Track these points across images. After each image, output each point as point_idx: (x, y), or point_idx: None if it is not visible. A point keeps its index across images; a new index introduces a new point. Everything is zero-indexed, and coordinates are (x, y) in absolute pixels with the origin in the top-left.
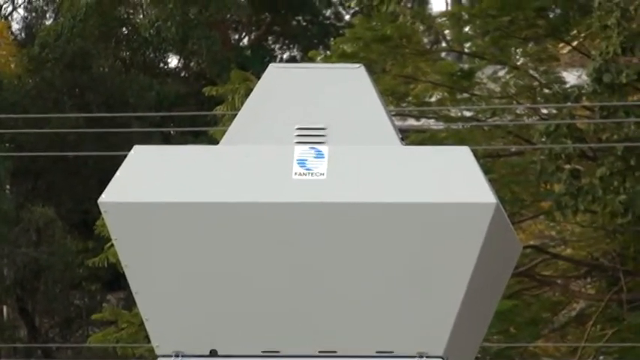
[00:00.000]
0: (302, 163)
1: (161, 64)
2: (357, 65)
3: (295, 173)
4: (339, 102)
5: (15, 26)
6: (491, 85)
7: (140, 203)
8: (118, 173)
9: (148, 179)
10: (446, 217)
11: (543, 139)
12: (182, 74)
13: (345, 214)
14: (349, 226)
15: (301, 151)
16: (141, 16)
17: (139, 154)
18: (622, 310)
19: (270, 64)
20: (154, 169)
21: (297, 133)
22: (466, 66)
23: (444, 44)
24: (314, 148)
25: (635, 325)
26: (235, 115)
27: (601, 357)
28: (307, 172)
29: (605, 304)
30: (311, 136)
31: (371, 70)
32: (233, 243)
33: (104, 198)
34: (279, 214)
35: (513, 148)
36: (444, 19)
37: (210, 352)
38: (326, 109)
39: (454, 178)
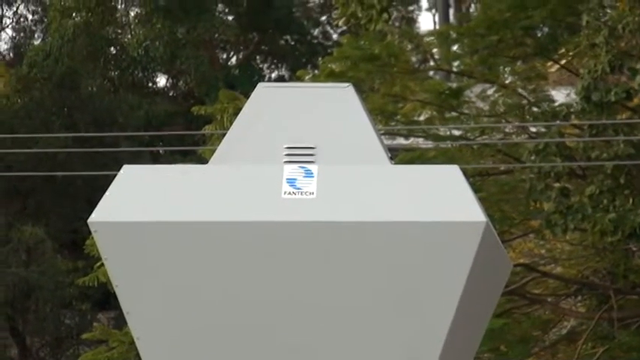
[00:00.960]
0: (291, 182)
1: (149, 84)
2: (346, 85)
3: (285, 192)
4: (328, 121)
5: (3, 46)
6: (480, 104)
7: (130, 223)
8: (107, 192)
9: (138, 198)
10: (435, 235)
11: (532, 158)
12: (170, 93)
13: (334, 233)
14: (339, 245)
15: (290, 170)
16: (129, 35)
17: (128, 174)
18: (613, 329)
19: (259, 84)
20: (143, 188)
21: (286, 152)
22: (454, 85)
23: (432, 63)
24: (303, 167)
25: (626, 343)
26: (224, 134)
27: None
28: (297, 191)
29: (596, 322)
30: (300, 155)
31: (359, 89)
32: (223, 262)
33: (94, 217)
34: (268, 232)
35: (502, 167)
36: (432, 37)
37: None
38: (315, 128)
39: (443, 197)
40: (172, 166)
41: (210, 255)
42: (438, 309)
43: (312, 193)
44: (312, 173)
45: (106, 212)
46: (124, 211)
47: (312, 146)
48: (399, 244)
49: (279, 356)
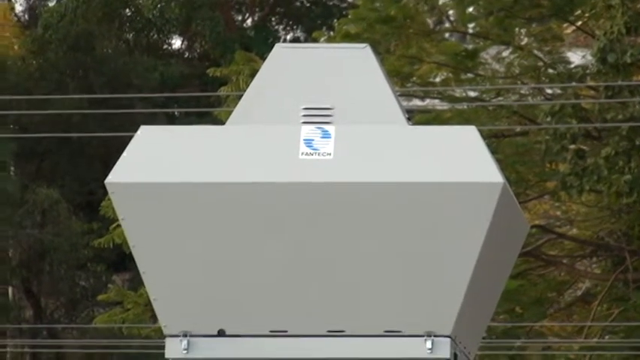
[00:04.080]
0: (309, 143)
1: (165, 46)
2: (363, 45)
3: (302, 153)
4: (345, 82)
5: (18, 8)
6: (496, 66)
7: (147, 184)
8: (124, 154)
9: (155, 160)
10: (453, 196)
11: (548, 119)
12: (186, 55)
13: (352, 194)
14: (356, 205)
15: (308, 131)
16: None
17: (145, 135)
18: (628, 290)
19: (277, 45)
20: (160, 149)
21: (303, 113)
22: (470, 46)
23: (447, 25)
24: (320, 128)
25: None
26: (240, 95)
27: (607, 336)
28: (314, 152)
29: (611, 283)
30: (317, 116)
31: (376, 51)
32: (240, 223)
33: (111, 179)
34: (285, 194)
35: (518, 129)
36: None
37: (218, 331)
38: (332, 89)
39: (461, 158)
40: (189, 127)
41: (227, 216)
42: (456, 269)
43: (330, 154)
44: (329, 134)
45: (123, 173)
46: (141, 172)
47: (329, 107)
48: (416, 204)
49: (296, 315)
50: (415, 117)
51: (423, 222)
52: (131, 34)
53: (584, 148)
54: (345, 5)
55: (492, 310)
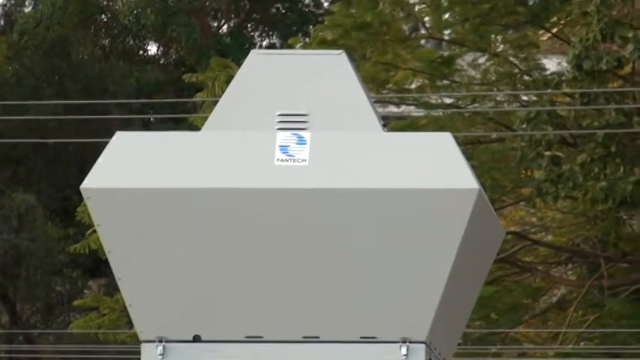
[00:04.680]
0: (284, 149)
1: (140, 52)
2: (339, 52)
3: (277, 159)
4: (320, 88)
5: None
6: (472, 72)
7: (122, 189)
8: (100, 159)
9: (130, 165)
10: (428, 203)
11: (524, 126)
12: (161, 61)
13: (327, 201)
14: (332, 212)
15: (283, 137)
16: (120, 3)
17: (121, 140)
18: (603, 296)
19: (252, 51)
20: (135, 155)
21: (279, 120)
22: (446, 53)
23: (423, 31)
24: (296, 134)
25: (616, 311)
26: (216, 101)
27: (582, 342)
28: (289, 158)
29: (586, 290)
30: (293, 122)
31: (351, 57)
32: (215, 229)
33: (86, 184)
34: (261, 200)
35: (494, 135)
36: (423, 6)
37: (194, 337)
38: (308, 95)
39: (436, 164)
40: (165, 132)
41: (203, 222)
42: (432, 275)
43: (305, 160)
44: (304, 140)
45: (98, 179)
46: (117, 178)
47: (305, 113)
48: (391, 211)
49: (272, 321)
50: (390, 123)
51: (399, 228)
52: (107, 40)
53: (560, 154)
54: (320, 12)
55: (467, 316)
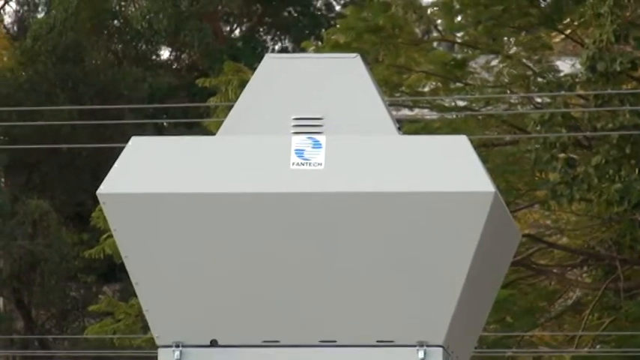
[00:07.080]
0: (300, 153)
1: (153, 57)
2: (354, 55)
3: (293, 163)
4: (335, 92)
5: (7, 20)
6: (485, 75)
7: (139, 194)
8: (115, 164)
9: (146, 170)
10: (445, 206)
11: (538, 128)
12: (174, 66)
13: (343, 204)
14: (348, 215)
15: (299, 141)
16: (132, 8)
17: (136, 145)
18: (619, 299)
19: (267, 55)
20: (152, 160)
21: (294, 124)
22: (459, 55)
23: (436, 34)
24: (311, 138)
25: (632, 313)
26: (229, 106)
27: (598, 345)
28: (305, 162)
29: (602, 292)
30: (308, 126)
31: (366, 61)
32: (232, 233)
33: (102, 189)
34: (277, 204)
35: (508, 138)
36: (435, 8)
37: (211, 342)
38: (323, 99)
39: (452, 167)
40: (181, 137)
41: (219, 226)
42: (448, 278)
43: (321, 164)
44: (320, 144)
45: (114, 184)
46: (133, 183)
47: (320, 117)
48: (407, 214)
49: (289, 325)
50: (404, 127)
51: (415, 231)
52: (120, 45)
53: (574, 156)
54: (333, 15)
55: (484, 320)
